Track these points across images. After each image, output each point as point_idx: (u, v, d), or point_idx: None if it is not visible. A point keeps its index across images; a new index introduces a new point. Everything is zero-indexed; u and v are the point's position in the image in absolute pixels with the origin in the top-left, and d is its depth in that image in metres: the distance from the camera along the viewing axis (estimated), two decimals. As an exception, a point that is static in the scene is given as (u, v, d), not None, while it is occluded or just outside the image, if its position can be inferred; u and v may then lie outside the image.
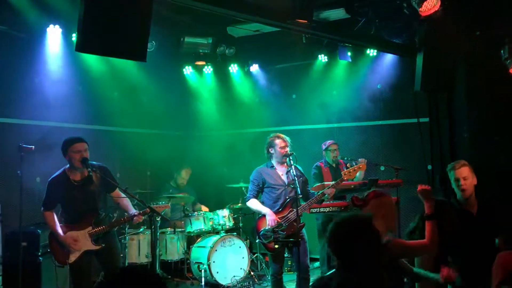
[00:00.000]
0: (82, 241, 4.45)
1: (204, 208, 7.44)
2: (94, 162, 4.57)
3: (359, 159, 6.77)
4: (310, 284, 2.49)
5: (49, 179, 4.54)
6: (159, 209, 4.83)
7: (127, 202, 4.81)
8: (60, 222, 4.51)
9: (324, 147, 6.88)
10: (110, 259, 4.58)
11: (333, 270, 2.58)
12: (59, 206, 4.60)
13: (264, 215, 5.09)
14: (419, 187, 3.30)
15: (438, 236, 3.01)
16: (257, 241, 5.30)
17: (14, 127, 5.89)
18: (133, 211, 4.75)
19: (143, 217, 4.68)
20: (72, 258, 4.42)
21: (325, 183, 6.25)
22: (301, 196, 5.04)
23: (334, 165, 6.79)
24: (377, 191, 3.22)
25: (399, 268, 3.03)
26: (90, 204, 4.55)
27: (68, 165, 4.53)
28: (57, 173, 4.55)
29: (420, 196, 3.26)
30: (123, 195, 4.77)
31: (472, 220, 3.91)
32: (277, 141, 5.17)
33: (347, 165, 6.55)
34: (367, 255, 2.42)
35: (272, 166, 5.26)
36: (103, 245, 4.52)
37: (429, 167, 6.86)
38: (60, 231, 4.44)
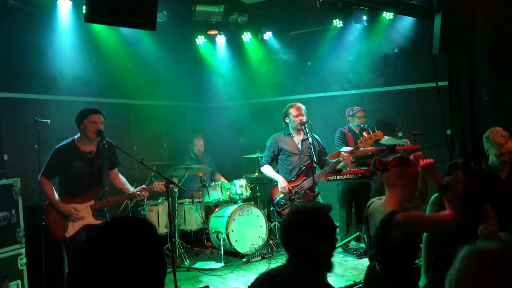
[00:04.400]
0: (84, 214, 4.38)
1: (223, 179, 7.46)
2: None
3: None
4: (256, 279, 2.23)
5: (56, 147, 4.45)
6: (161, 186, 4.74)
7: (124, 180, 4.78)
8: (58, 195, 4.40)
9: (351, 112, 6.80)
10: None
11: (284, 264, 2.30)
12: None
13: (277, 184, 5.10)
14: (422, 162, 2.95)
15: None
16: (271, 209, 5.33)
17: (29, 102, 5.92)
18: (131, 189, 4.70)
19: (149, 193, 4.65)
20: (71, 231, 4.33)
21: (342, 149, 6.21)
22: (316, 164, 5.02)
23: (357, 131, 6.74)
24: (402, 159, 2.93)
25: (416, 242, 2.94)
26: (96, 177, 4.49)
27: (78, 135, 4.46)
28: (65, 141, 4.47)
29: (426, 172, 2.96)
30: (120, 174, 4.76)
31: (501, 185, 3.85)
32: (291, 110, 5.17)
33: (364, 134, 6.49)
34: (319, 250, 2.18)
35: (289, 134, 5.25)
36: (103, 220, 4.48)
37: (448, 132, 6.75)
38: (60, 201, 4.33)
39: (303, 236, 2.18)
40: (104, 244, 1.39)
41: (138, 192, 4.59)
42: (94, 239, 1.42)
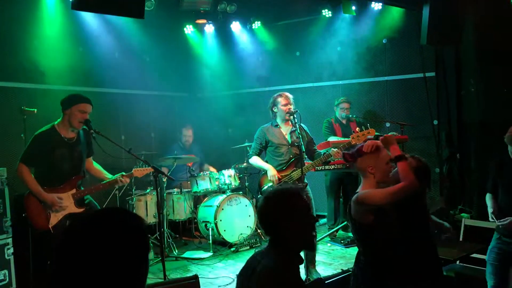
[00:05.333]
0: (66, 203, 4.30)
1: (212, 169, 7.45)
2: None
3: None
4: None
5: (36, 133, 4.29)
6: (141, 172, 4.71)
7: (100, 168, 4.71)
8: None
9: (336, 102, 6.86)
10: None
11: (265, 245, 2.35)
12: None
13: (266, 172, 5.10)
14: (381, 138, 2.99)
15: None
16: (258, 196, 5.32)
17: (15, 91, 5.85)
18: (109, 175, 4.63)
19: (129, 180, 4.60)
20: (54, 220, 4.25)
21: (330, 140, 6.23)
22: (305, 155, 5.02)
23: (344, 121, 6.77)
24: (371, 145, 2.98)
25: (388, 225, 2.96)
26: (76, 164, 4.39)
27: (58, 121, 4.34)
28: (45, 128, 4.32)
29: (384, 145, 2.98)
30: (94, 162, 4.69)
31: None
32: (280, 99, 5.14)
33: (356, 129, 6.51)
34: (295, 232, 2.22)
35: (277, 125, 5.23)
36: (87, 207, 4.40)
37: (435, 122, 6.80)
38: (42, 190, 4.22)
39: (274, 218, 2.24)
40: (89, 234, 1.35)
41: (119, 178, 4.53)
42: (78, 227, 1.37)
